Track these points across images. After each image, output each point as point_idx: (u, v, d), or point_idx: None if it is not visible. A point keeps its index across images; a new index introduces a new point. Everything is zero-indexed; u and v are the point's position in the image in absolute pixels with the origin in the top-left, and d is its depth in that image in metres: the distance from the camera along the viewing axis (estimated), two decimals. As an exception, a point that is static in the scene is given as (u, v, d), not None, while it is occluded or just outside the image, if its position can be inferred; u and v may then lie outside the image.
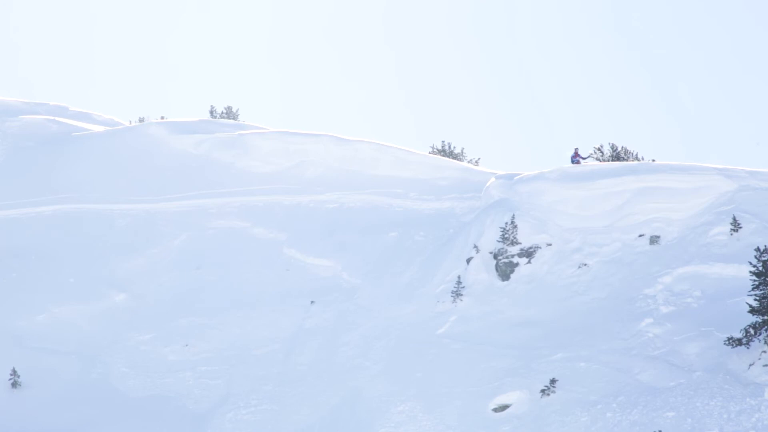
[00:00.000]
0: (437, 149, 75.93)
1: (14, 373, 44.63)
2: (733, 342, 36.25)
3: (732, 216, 48.36)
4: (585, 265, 48.97)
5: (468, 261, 50.95)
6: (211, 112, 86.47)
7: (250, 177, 67.04)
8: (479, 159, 76.01)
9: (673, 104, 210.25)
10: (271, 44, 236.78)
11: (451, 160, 71.19)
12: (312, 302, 51.22)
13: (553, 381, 37.50)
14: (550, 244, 50.98)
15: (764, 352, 35.78)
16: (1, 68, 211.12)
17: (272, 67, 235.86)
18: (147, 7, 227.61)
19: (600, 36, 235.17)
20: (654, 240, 49.51)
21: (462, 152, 76.09)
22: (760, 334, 36.20)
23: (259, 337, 48.36)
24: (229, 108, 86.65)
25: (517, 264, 50.13)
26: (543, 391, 37.19)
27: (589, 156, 59.49)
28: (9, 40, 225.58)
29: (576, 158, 59.20)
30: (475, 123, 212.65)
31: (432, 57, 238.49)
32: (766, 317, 36.06)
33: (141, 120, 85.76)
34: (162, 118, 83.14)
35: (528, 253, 50.59)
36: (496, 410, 37.02)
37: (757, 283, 36.32)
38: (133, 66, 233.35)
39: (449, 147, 76.19)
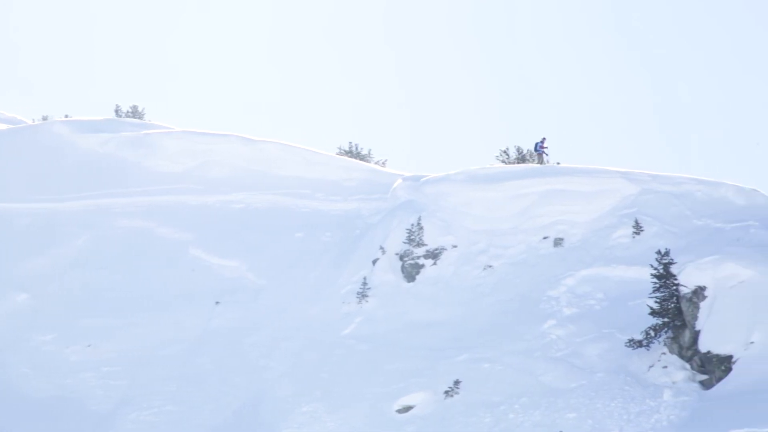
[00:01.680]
0: (344, 150, 75.93)
1: None
2: (634, 344, 36.74)
3: (634, 219, 49.03)
4: (490, 266, 49.27)
5: (374, 262, 51.01)
6: (116, 111, 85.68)
7: (156, 176, 66.51)
8: (386, 160, 76.20)
9: (670, 105, 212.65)
10: (270, 45, 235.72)
11: (358, 161, 71.28)
12: (217, 303, 50.94)
13: (457, 382, 37.66)
14: (455, 246, 51.22)
15: (664, 354, 36.30)
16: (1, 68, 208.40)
17: (272, 68, 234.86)
18: (144, 8, 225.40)
19: (599, 36, 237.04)
20: (558, 242, 50.00)
21: (369, 153, 76.21)
22: (660, 336, 36.74)
23: (163, 338, 47.97)
24: (134, 107, 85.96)
25: (422, 265, 50.30)
26: (447, 392, 37.33)
27: (546, 147, 59.65)
28: (9, 40, 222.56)
29: (541, 147, 59.27)
30: (471, 123, 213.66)
31: (431, 57, 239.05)
32: (666, 319, 36.62)
33: (45, 118, 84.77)
34: (66, 116, 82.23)
35: (434, 255, 50.78)
36: (400, 411, 37.07)
37: (657, 285, 36.88)
38: (128, 66, 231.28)
39: (356, 148, 76.24)
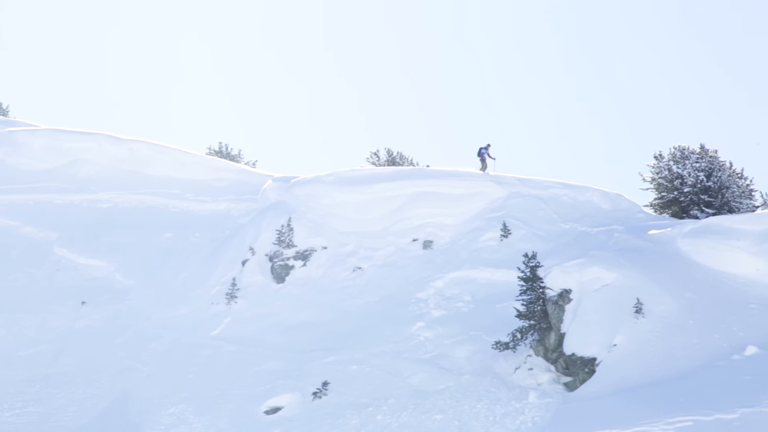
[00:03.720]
0: (214, 150, 75.55)
1: None
2: (501, 346, 37.09)
3: (502, 222, 49.62)
4: (359, 268, 49.41)
5: (243, 263, 50.78)
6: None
7: (20, 175, 65.29)
8: (256, 161, 76.06)
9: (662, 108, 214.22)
10: (140, 43, 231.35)
11: (228, 161, 70.94)
12: (83, 303, 50.11)
13: (325, 383, 37.61)
14: (325, 248, 51.27)
15: (530, 356, 36.73)
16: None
17: (141, 67, 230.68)
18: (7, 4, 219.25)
19: (481, 42, 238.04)
20: (427, 244, 50.36)
21: (239, 154, 75.95)
22: (526, 338, 37.17)
23: (27, 338, 46.92)
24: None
25: (292, 267, 50.23)
26: (315, 393, 37.25)
27: (487, 155, 58.76)
28: None
29: (485, 152, 58.40)
30: (342, 125, 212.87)
31: (304, 59, 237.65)
32: (532, 322, 37.06)
33: None
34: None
35: (303, 256, 50.75)
36: (267, 413, 36.87)
37: (524, 288, 37.31)
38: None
39: (226, 148, 75.94)
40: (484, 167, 58.80)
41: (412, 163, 68.93)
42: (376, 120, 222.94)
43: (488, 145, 58.50)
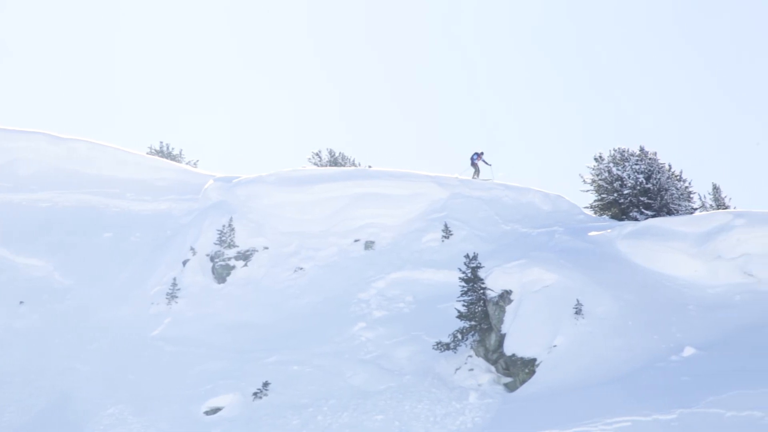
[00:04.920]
0: (155, 150, 75.12)
1: None
2: (442, 346, 37.20)
3: (444, 223, 49.79)
4: (301, 269, 49.38)
5: (184, 263, 50.57)
6: None
7: (-44, 174, 64.52)
8: (198, 161, 75.76)
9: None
10: (78, 42, 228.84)
11: (169, 161, 70.57)
12: (21, 303, 49.61)
13: (266, 384, 37.53)
14: (267, 248, 51.19)
15: (470, 356, 36.86)
16: None
17: (81, 65, 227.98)
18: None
19: (422, 44, 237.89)
20: (369, 245, 50.44)
21: (180, 153, 75.60)
22: (467, 339, 37.31)
23: (-37, 339, 46.40)
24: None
25: (233, 267, 50.11)
26: (255, 393, 37.15)
27: (483, 161, 57.05)
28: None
29: (477, 159, 56.62)
30: (283, 125, 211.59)
31: (245, 59, 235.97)
32: (473, 323, 37.21)
33: None
34: None
35: (245, 256, 50.64)
36: (208, 413, 36.71)
37: (465, 289, 37.45)
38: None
39: (167, 148, 75.54)
40: (476, 174, 58.24)
41: (354, 164, 69.03)
42: (321, 120, 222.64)
43: (482, 152, 57.29)
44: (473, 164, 57.84)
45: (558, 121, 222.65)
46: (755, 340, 31.79)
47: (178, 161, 74.02)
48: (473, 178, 57.41)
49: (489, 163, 57.78)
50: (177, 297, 47.67)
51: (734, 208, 50.94)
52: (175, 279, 48.83)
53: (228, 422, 35.72)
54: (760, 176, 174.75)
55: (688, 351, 31.81)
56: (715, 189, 53.81)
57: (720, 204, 52.92)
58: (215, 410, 36.89)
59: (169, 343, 43.86)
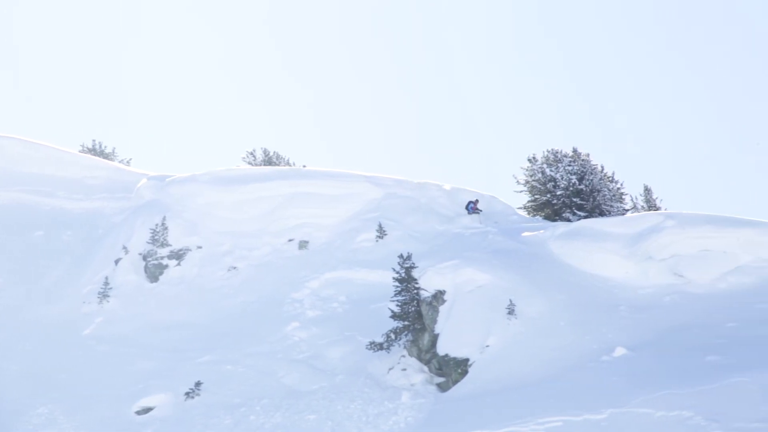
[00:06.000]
0: (88, 148, 74.44)
1: None
2: (375, 346, 37.22)
3: (378, 223, 49.77)
4: (235, 268, 49.20)
5: (117, 262, 50.17)
6: None
7: None
8: (130, 159, 75.14)
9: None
10: (9, 42, 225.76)
11: (101, 159, 69.90)
12: (-52, 302, 48.90)
13: (198, 384, 37.34)
14: (200, 247, 50.92)
15: (403, 356, 36.92)
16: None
17: (11, 65, 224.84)
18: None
19: (365, 41, 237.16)
20: (303, 245, 50.34)
21: (113, 152, 74.97)
22: (400, 339, 37.35)
23: None
24: None
25: (166, 266, 49.79)
26: (188, 393, 36.95)
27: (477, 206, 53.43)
28: None
29: (473, 209, 52.71)
30: (219, 124, 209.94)
31: (179, 56, 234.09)
32: (406, 322, 37.26)
33: None
34: None
35: (178, 255, 50.34)
36: (139, 413, 36.45)
37: (399, 289, 37.52)
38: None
39: (100, 146, 74.87)
40: (478, 216, 54.38)
41: (288, 163, 68.81)
42: (257, 120, 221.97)
43: (477, 201, 53.94)
44: (474, 210, 53.99)
45: (492, 121, 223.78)
46: (684, 341, 32.12)
47: (111, 159, 73.40)
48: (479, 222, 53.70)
49: (480, 209, 54.05)
50: (109, 296, 47.27)
51: (665, 209, 51.40)
52: (107, 278, 48.43)
53: (159, 422, 35.49)
54: (690, 177, 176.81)
55: (619, 351, 32.07)
56: (647, 190, 54.28)
57: (651, 205, 53.42)
58: (147, 410, 36.63)
59: (100, 342, 43.48)
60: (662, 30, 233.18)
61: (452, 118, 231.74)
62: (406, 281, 37.49)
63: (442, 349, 35.32)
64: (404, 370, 36.21)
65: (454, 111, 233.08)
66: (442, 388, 34.50)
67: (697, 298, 36.79)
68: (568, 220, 50.50)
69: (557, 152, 54.00)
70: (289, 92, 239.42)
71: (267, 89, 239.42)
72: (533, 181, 53.32)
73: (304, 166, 61.81)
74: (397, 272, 37.77)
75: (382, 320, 38.91)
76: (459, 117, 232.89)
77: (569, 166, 52.57)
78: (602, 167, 53.63)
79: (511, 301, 35.49)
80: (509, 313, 35.17)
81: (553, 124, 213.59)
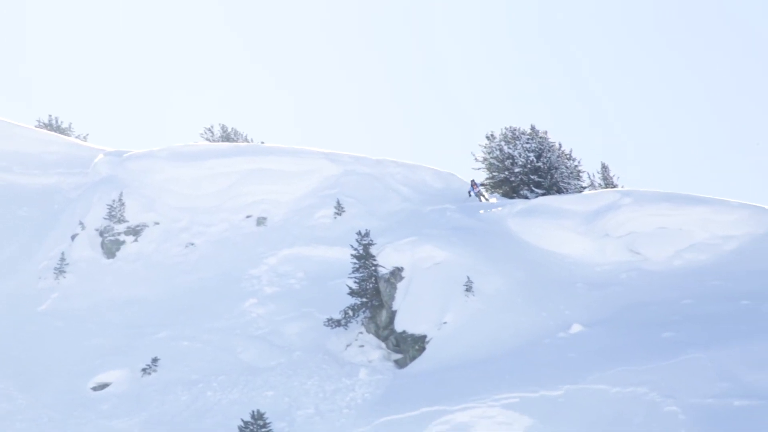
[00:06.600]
0: (44, 123, 73.86)
1: None
2: (333, 323, 37.27)
3: (336, 200, 49.76)
4: (192, 244, 49.08)
5: (73, 238, 49.89)
6: None
7: None
8: (87, 135, 74.61)
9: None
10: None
11: (58, 134, 69.37)
12: None
13: (155, 360, 37.26)
14: (158, 223, 50.74)
15: (361, 333, 37.02)
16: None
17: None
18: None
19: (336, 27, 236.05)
20: (261, 221, 50.26)
21: (70, 127, 74.43)
22: (358, 315, 37.43)
23: None
24: None
25: (123, 242, 49.57)
26: (144, 369, 36.86)
27: (481, 186, 52.31)
28: None
29: (474, 190, 51.45)
30: (177, 99, 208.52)
31: (142, 33, 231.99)
32: (364, 299, 37.34)
33: None
34: None
35: (135, 231, 50.12)
36: (95, 389, 36.30)
37: (357, 265, 37.56)
38: None
39: (56, 121, 74.31)
40: (482, 196, 51.51)
41: (246, 140, 68.62)
42: (214, 94, 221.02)
43: (473, 181, 52.61)
44: (478, 194, 51.42)
45: (451, 97, 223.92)
46: (641, 318, 32.38)
47: (68, 135, 72.82)
48: (486, 199, 52.43)
49: (480, 188, 52.74)
50: (65, 272, 46.99)
51: (622, 187, 51.59)
52: (63, 253, 48.14)
53: (116, 398, 35.36)
54: (647, 155, 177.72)
55: (575, 328, 32.31)
56: (604, 168, 54.48)
57: (608, 183, 53.63)
58: (103, 386, 36.49)
59: (56, 318, 43.23)
60: (661, 30, 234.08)
61: (419, 92, 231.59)
62: (364, 258, 37.51)
63: (399, 325, 35.42)
64: (362, 346, 36.29)
65: (422, 86, 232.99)
66: (400, 364, 34.59)
67: (653, 275, 37.09)
68: (526, 198, 50.60)
69: (515, 129, 54.01)
70: (249, 68, 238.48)
71: (226, 64, 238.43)
72: (491, 158, 53.31)
73: (263, 143, 61.63)
74: (355, 249, 37.78)
75: (340, 297, 38.92)
76: (425, 90, 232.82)
77: (527, 143, 52.61)
78: (560, 145, 53.67)
79: (468, 278, 35.59)
80: (467, 290, 35.27)
81: (549, 120, 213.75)
